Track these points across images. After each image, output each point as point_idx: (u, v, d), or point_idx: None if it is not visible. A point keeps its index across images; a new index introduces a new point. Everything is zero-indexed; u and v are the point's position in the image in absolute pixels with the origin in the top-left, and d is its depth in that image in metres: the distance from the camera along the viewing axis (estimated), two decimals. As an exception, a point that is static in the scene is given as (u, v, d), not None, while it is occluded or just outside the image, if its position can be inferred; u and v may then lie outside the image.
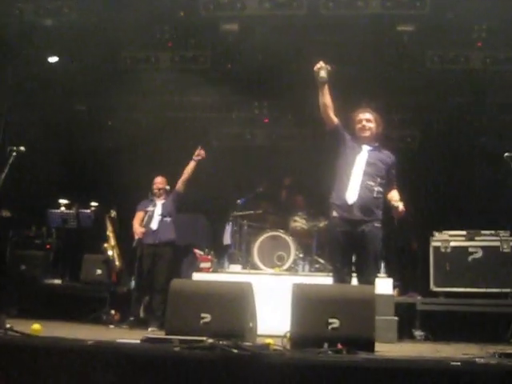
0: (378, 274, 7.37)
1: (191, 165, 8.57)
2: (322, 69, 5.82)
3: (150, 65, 10.07)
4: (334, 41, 9.41)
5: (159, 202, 8.62)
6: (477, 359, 4.01)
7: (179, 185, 8.61)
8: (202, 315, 4.99)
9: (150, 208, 8.55)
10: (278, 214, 9.61)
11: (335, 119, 5.96)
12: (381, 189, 5.84)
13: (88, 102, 11.32)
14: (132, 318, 8.21)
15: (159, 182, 8.73)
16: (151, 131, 11.05)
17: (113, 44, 9.63)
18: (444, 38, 9.17)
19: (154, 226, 8.39)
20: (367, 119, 5.95)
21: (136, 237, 8.27)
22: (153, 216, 8.48)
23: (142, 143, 10.98)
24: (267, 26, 9.19)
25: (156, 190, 8.66)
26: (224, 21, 9.25)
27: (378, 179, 5.83)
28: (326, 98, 5.88)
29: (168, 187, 8.66)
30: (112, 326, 7.96)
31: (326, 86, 5.86)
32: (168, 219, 8.51)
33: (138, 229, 8.35)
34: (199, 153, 8.55)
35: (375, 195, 5.80)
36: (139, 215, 8.57)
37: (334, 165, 6.02)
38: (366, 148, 5.94)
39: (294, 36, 9.37)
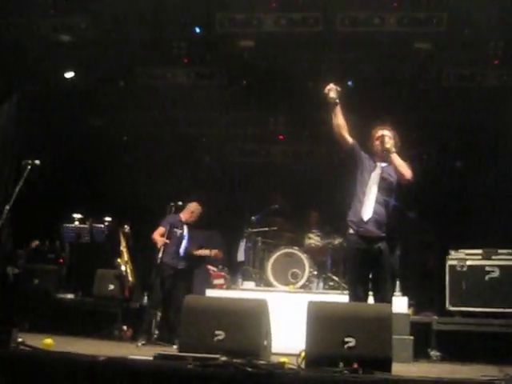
0: (394, 293, 7.26)
1: (204, 253, 8.87)
2: (331, 90, 5.80)
3: (165, 80, 10.08)
4: (351, 58, 9.40)
5: (185, 226, 8.63)
6: (496, 381, 3.91)
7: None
8: (216, 332, 4.94)
9: (178, 230, 8.52)
10: (293, 231, 9.55)
11: (350, 139, 5.90)
12: (396, 203, 5.81)
13: (103, 117, 11.34)
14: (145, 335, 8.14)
15: (200, 211, 8.75)
16: (166, 147, 11.06)
17: (129, 59, 9.67)
18: (461, 55, 9.12)
19: (181, 251, 8.45)
20: (386, 136, 5.86)
21: (159, 244, 8.18)
22: (181, 240, 8.50)
23: (157, 159, 10.97)
24: (283, 42, 9.18)
25: (195, 219, 8.69)
26: (240, 37, 9.25)
27: (393, 193, 5.82)
28: (339, 119, 5.83)
29: (179, 203, 8.66)
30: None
31: (338, 107, 5.82)
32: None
33: (160, 240, 8.24)
34: (216, 254, 8.81)
35: (391, 209, 5.77)
36: (161, 230, 8.43)
37: (351, 183, 5.97)
38: (380, 165, 5.89)
39: (310, 52, 9.38)
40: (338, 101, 5.80)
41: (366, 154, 5.97)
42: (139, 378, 4.26)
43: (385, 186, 5.79)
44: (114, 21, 8.90)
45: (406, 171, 5.70)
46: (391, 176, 5.81)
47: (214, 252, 8.80)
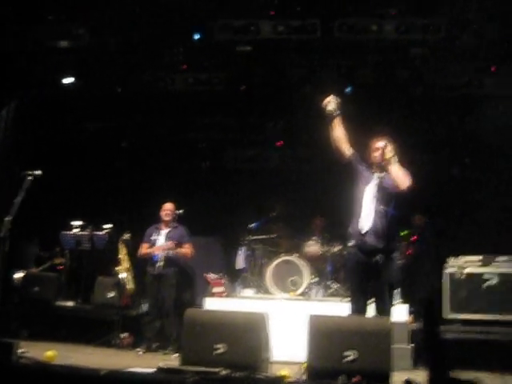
0: (394, 301, 7.26)
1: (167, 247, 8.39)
2: (330, 102, 5.67)
3: (164, 86, 10.07)
4: (348, 64, 9.43)
5: (164, 231, 8.49)
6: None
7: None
8: (217, 346, 4.96)
9: (154, 237, 8.46)
10: (292, 238, 9.54)
11: (348, 152, 5.84)
12: (395, 212, 5.78)
13: (101, 123, 11.33)
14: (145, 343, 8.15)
15: (168, 208, 8.49)
16: (164, 152, 11.06)
17: (127, 65, 9.68)
18: (458, 62, 9.15)
19: (155, 256, 8.25)
20: (384, 147, 5.84)
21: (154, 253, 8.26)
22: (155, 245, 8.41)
23: (155, 165, 10.98)
24: (281, 48, 9.21)
25: (165, 218, 8.48)
26: (238, 43, 9.26)
27: (392, 203, 5.77)
28: (337, 132, 5.76)
29: (180, 211, 8.52)
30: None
31: (337, 119, 5.75)
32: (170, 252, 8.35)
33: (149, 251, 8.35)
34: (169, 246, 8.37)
35: (389, 220, 5.72)
36: (145, 247, 8.47)
37: (350, 192, 5.96)
38: (377, 175, 5.85)
39: (307, 59, 9.42)
40: (337, 113, 5.74)
41: (363, 164, 5.94)
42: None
43: (383, 196, 5.74)
44: (113, 27, 8.90)
45: (403, 182, 5.64)
46: (389, 185, 5.76)
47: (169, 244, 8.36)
